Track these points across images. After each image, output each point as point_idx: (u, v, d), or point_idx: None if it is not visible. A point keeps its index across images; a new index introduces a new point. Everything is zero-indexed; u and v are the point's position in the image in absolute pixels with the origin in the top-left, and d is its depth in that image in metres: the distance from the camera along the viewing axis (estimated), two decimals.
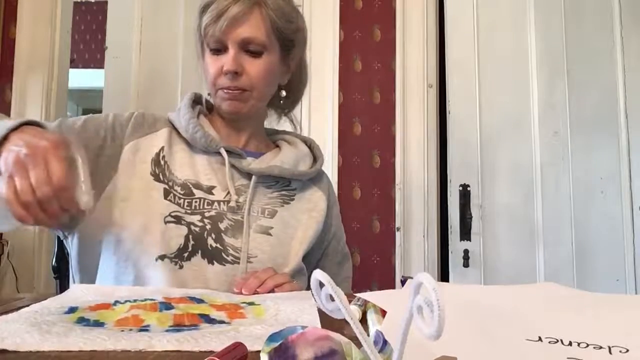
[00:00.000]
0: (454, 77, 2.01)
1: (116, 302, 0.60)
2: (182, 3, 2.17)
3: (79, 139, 0.77)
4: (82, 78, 4.08)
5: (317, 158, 1.00)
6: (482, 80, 2.00)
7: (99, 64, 3.68)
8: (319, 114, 2.07)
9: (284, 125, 1.07)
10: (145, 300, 0.61)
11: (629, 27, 1.97)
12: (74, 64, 3.36)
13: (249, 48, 0.86)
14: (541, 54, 2.00)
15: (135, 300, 0.61)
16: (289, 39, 0.91)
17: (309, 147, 1.01)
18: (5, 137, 0.64)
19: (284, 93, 0.99)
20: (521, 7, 2.03)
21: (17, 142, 0.63)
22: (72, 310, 0.55)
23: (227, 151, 0.89)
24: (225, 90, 0.87)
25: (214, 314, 0.56)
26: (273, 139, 1.02)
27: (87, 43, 4.51)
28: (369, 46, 2.11)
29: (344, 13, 2.11)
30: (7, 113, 1.93)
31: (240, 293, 0.72)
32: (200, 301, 0.62)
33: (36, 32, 1.98)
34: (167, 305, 0.58)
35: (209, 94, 0.96)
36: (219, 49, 0.87)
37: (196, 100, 0.96)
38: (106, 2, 2.25)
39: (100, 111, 2.12)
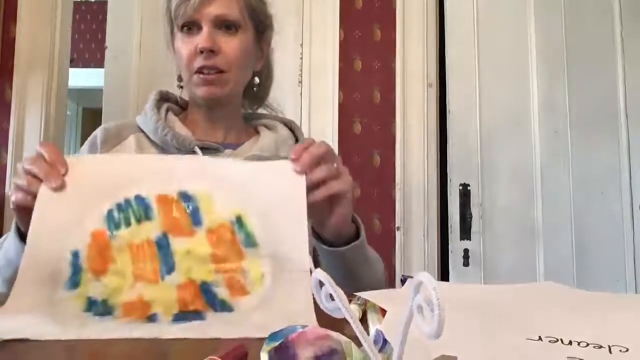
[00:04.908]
0: (454, 76, 2.01)
1: (110, 223, 0.62)
2: None
3: None
4: (82, 77, 4.08)
5: (299, 140, 0.95)
6: (482, 80, 2.00)
7: (99, 63, 3.68)
8: (319, 113, 2.07)
9: None
10: (141, 217, 0.63)
11: (629, 27, 1.97)
12: (74, 63, 3.36)
13: (223, 26, 0.85)
14: (541, 54, 2.00)
15: (129, 224, 0.62)
16: (261, 20, 0.90)
17: (290, 129, 0.97)
18: None
19: (257, 80, 0.96)
20: (521, 7, 2.03)
21: None
22: (76, 270, 0.58)
23: (202, 148, 0.86)
24: (201, 76, 0.85)
25: (212, 279, 0.59)
26: (253, 125, 0.98)
27: (87, 42, 4.51)
28: (369, 46, 2.10)
29: (344, 13, 2.11)
30: (7, 112, 1.93)
31: (296, 160, 0.66)
32: (195, 212, 0.63)
33: (36, 32, 1.97)
34: (164, 247, 0.61)
35: (180, 86, 0.93)
36: (191, 28, 0.85)
37: (163, 98, 0.94)
38: (106, 2, 2.25)
39: (100, 110, 2.12)
